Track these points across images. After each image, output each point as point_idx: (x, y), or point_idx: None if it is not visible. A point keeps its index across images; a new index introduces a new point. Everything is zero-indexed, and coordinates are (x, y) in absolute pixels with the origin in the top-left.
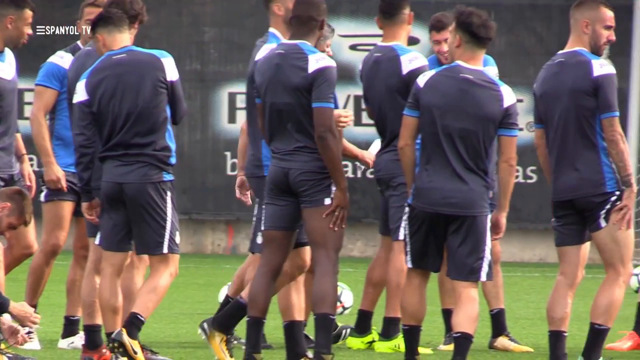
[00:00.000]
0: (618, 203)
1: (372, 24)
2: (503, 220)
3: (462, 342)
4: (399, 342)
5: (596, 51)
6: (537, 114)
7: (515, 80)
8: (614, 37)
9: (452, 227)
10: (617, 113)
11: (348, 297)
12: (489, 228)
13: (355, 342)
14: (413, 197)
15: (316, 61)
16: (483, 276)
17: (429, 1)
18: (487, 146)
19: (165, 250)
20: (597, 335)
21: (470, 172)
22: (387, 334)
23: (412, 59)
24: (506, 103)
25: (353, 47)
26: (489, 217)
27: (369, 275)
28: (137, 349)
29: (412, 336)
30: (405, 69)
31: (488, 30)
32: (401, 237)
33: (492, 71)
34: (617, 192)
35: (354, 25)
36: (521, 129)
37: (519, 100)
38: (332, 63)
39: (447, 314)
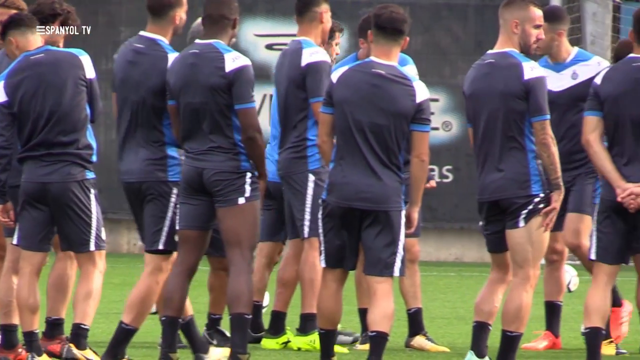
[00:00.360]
0: (541, 205)
1: (288, 24)
2: (415, 215)
3: (378, 341)
4: (316, 337)
5: (526, 51)
6: (467, 113)
7: (431, 79)
8: (543, 36)
9: (366, 222)
10: (548, 116)
11: (266, 296)
12: (403, 224)
13: (270, 343)
14: (327, 192)
15: (232, 60)
16: (396, 271)
17: (344, 1)
18: (399, 141)
19: (92, 247)
20: (510, 342)
21: (384, 167)
22: (303, 329)
23: (313, 53)
24: (419, 98)
25: (269, 47)
26: (403, 212)
27: (279, 275)
28: (91, 356)
29: (328, 339)
30: (305, 61)
31: (395, 23)
32: (305, 234)
33: (411, 71)
34: (542, 195)
35: (270, 25)
36: (437, 129)
37: (435, 100)
38: (248, 61)
39: (364, 313)
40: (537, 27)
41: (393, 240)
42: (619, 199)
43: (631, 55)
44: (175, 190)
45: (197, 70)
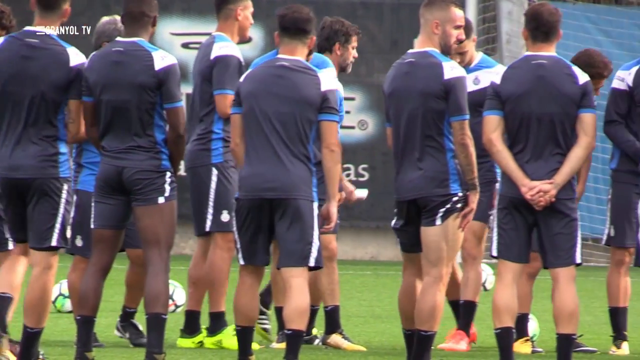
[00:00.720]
0: (459, 205)
1: (204, 22)
2: (333, 210)
3: (294, 339)
4: (223, 337)
5: (446, 51)
6: (386, 112)
7: (347, 78)
8: (463, 37)
9: (277, 214)
10: (468, 116)
11: (180, 295)
12: (315, 214)
13: (185, 342)
14: (239, 188)
15: (161, 59)
16: (312, 261)
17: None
18: (307, 130)
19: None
20: (424, 341)
21: (292, 157)
22: (212, 329)
23: (223, 46)
24: (324, 87)
25: (185, 46)
26: (316, 204)
27: (189, 274)
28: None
29: (245, 336)
30: (214, 54)
31: (298, 23)
32: (207, 228)
33: (330, 73)
34: (460, 194)
35: (186, 24)
36: (353, 127)
37: (351, 99)
38: (175, 60)
39: (280, 312)
40: (458, 27)
41: (306, 230)
42: (527, 197)
43: (528, 53)
44: (66, 187)
45: (123, 68)
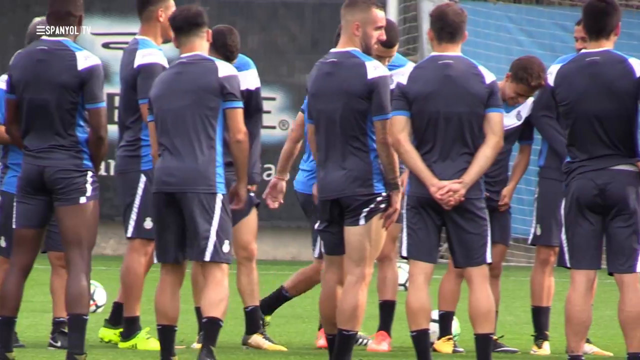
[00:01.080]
0: (383, 205)
1: (125, 22)
2: (242, 192)
3: (210, 326)
4: (137, 342)
5: (367, 52)
6: (309, 111)
7: (268, 78)
8: (384, 37)
9: (182, 207)
10: (390, 115)
11: (101, 295)
12: (219, 207)
13: (107, 334)
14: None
15: (85, 59)
16: (207, 256)
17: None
18: (210, 120)
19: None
20: (345, 341)
21: (195, 149)
22: (126, 334)
23: (146, 55)
24: (221, 74)
25: (106, 45)
26: (219, 195)
27: (120, 274)
28: None
29: (167, 336)
30: (137, 62)
31: (189, 19)
32: (129, 234)
33: (251, 75)
34: (384, 194)
35: (106, 24)
36: (273, 127)
37: (272, 99)
38: (99, 61)
39: (199, 312)
40: (379, 28)
41: (202, 225)
42: (436, 197)
43: (434, 53)
44: None
45: (46, 67)
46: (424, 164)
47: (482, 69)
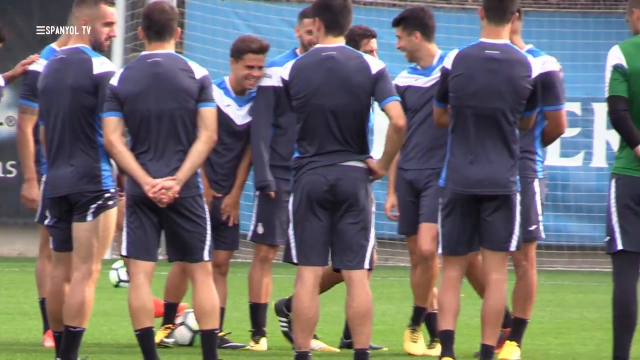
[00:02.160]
0: (111, 202)
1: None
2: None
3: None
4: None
5: (99, 48)
6: (40, 108)
7: None
8: (115, 34)
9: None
10: (105, 115)
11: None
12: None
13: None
14: None
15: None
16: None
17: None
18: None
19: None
20: (72, 337)
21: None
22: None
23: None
24: (96, 70)
25: None
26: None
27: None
28: None
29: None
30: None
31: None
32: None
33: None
34: (112, 190)
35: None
36: (1, 124)
37: None
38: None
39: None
40: (108, 24)
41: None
42: (150, 195)
43: (146, 52)
44: None
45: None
46: (136, 163)
47: (192, 64)
